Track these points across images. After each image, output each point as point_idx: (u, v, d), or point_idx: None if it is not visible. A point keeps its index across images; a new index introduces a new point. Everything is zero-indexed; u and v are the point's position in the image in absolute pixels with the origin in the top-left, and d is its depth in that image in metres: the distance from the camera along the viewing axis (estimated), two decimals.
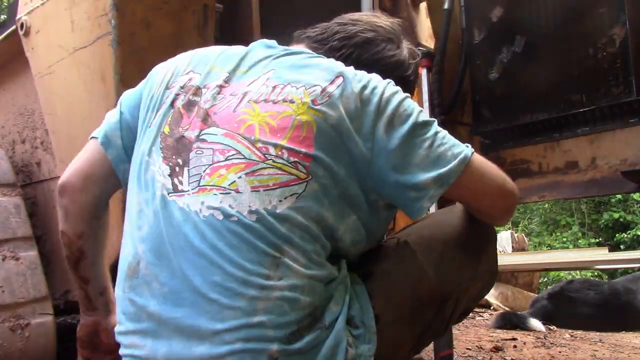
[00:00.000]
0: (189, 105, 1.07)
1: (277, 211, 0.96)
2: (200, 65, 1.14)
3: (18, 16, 2.03)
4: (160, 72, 1.17)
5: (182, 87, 1.10)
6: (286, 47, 1.17)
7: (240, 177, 0.97)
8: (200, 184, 0.99)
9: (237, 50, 1.16)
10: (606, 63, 2.03)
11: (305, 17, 2.22)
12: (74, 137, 1.88)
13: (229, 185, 0.97)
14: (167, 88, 1.12)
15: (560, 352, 3.28)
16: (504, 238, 6.55)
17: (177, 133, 1.05)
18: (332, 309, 0.98)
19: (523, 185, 2.32)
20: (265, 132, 1.00)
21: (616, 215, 10.88)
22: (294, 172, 0.98)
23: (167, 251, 0.98)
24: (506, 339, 3.62)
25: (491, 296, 5.53)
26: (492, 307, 5.44)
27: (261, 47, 1.16)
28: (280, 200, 0.96)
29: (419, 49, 2.54)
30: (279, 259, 0.94)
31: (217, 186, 0.98)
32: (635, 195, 10.37)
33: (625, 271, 10.17)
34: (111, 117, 1.21)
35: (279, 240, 0.95)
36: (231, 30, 2.09)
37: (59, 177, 1.98)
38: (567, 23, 2.15)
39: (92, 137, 1.21)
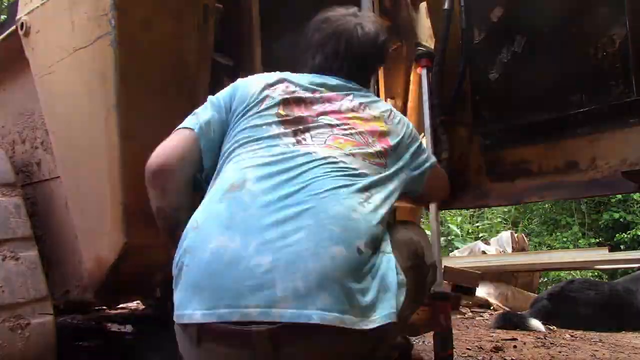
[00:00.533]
0: (297, 100, 1.49)
1: (373, 179, 1.40)
2: (290, 77, 1.55)
3: (18, 16, 2.03)
4: (252, 80, 1.55)
5: (283, 90, 1.50)
6: (344, 83, 1.58)
7: (353, 149, 1.42)
8: (327, 143, 1.41)
9: (314, 75, 1.59)
10: (606, 63, 2.03)
11: (304, 17, 2.22)
12: (74, 137, 1.88)
13: (347, 151, 1.41)
14: (265, 89, 1.51)
15: (560, 352, 3.28)
16: (504, 238, 6.55)
17: (295, 114, 1.47)
18: (386, 243, 1.34)
19: (523, 185, 2.32)
20: (364, 129, 1.48)
21: (616, 215, 10.87)
22: (382, 159, 1.47)
23: (279, 176, 1.32)
24: (506, 339, 3.62)
25: (491, 296, 5.53)
26: (492, 307, 5.43)
27: (331, 79, 1.58)
28: (373, 175, 1.42)
29: (419, 49, 2.56)
30: (369, 197, 1.36)
31: (339, 148, 1.41)
32: (635, 195, 10.35)
33: (625, 271, 10.15)
34: (204, 114, 1.51)
35: (370, 187, 1.38)
36: (231, 30, 2.09)
37: (59, 177, 1.99)
38: (567, 23, 2.14)
39: (184, 127, 1.49)
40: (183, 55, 1.78)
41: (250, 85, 1.54)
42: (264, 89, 1.52)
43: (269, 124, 1.44)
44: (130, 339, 3.14)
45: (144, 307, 3.95)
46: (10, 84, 2.31)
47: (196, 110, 1.54)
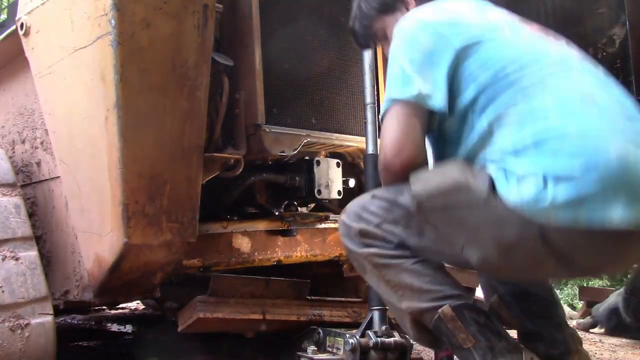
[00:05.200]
0: (523, 23, 1.61)
1: None
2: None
3: (18, 16, 2.03)
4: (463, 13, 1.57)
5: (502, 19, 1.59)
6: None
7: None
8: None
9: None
10: (606, 63, 2.03)
11: (304, 17, 2.22)
12: (74, 137, 1.88)
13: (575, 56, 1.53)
14: (490, 21, 1.57)
15: None
16: None
17: (532, 35, 1.58)
18: None
19: None
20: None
21: None
22: None
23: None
24: None
25: None
26: None
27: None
28: None
29: None
30: None
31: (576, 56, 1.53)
32: None
33: (625, 272, 10.12)
34: (438, 75, 1.45)
35: None
36: (231, 30, 2.09)
37: (59, 177, 1.99)
38: (567, 23, 2.14)
39: (405, 101, 1.45)
40: (183, 55, 1.78)
41: (461, 15, 1.56)
42: (488, 19, 1.58)
43: (535, 47, 1.55)
44: (130, 339, 3.14)
45: (143, 307, 3.95)
46: (10, 84, 2.32)
47: (417, 65, 1.48)
